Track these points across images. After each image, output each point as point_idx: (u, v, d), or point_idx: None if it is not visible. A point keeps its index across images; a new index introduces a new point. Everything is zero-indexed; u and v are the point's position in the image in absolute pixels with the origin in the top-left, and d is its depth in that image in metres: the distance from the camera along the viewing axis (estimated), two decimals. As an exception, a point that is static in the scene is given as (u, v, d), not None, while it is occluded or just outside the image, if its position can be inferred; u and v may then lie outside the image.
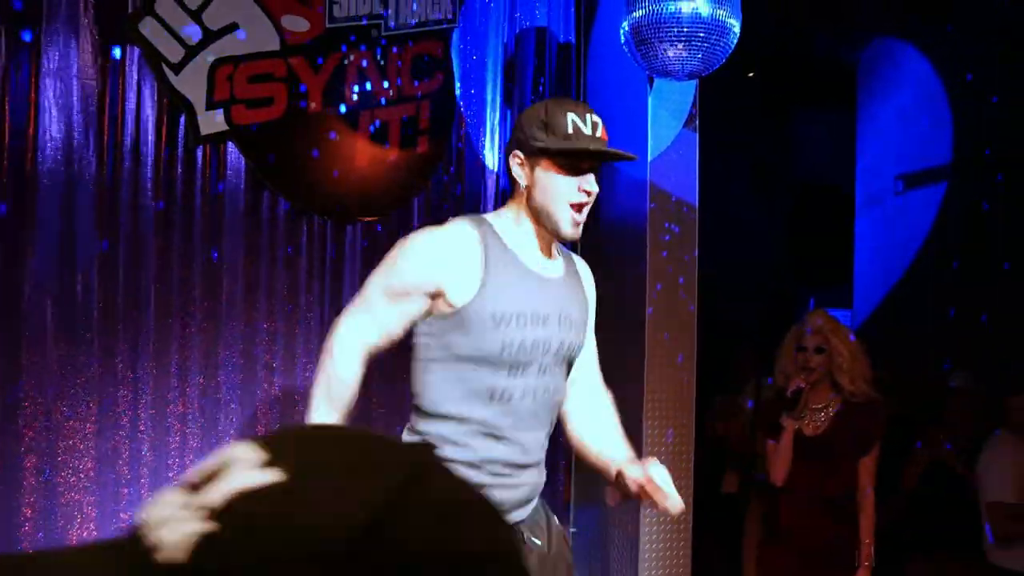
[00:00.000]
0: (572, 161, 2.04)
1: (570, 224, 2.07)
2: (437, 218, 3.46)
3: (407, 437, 2.12)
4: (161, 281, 3.02)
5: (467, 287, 2.00)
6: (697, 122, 3.80)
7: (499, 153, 3.78)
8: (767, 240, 6.25)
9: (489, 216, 2.16)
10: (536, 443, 2.13)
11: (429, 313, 2.04)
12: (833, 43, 5.23)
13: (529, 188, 2.07)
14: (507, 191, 3.79)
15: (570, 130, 2.02)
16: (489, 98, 3.75)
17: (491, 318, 1.98)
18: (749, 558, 3.84)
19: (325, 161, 3.32)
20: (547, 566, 2.16)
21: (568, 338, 2.12)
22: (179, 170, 3.04)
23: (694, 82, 3.76)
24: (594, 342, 2.35)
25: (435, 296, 2.02)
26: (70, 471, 2.87)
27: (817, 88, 5.60)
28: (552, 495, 3.91)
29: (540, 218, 2.08)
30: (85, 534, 2.89)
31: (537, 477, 2.18)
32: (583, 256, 3.96)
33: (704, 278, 3.84)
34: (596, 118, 2.07)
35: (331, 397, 2.03)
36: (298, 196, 3.26)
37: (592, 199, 2.08)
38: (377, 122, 3.43)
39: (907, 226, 4.99)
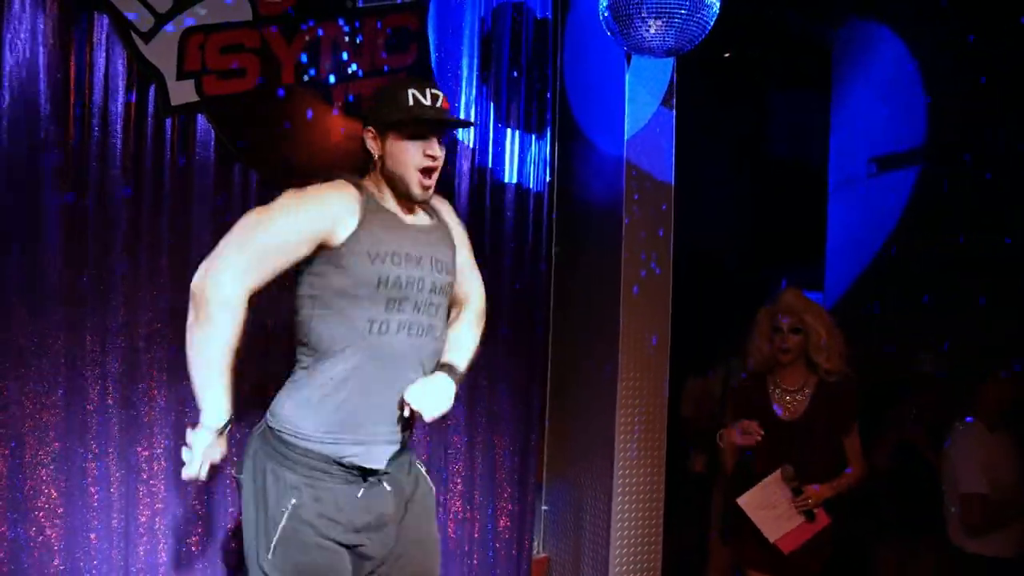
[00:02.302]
0: (415, 130, 2.28)
1: (418, 186, 2.31)
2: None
3: (297, 374, 2.31)
4: (129, 252, 2.96)
5: (347, 230, 2.21)
6: (675, 100, 3.78)
7: (475, 129, 3.75)
8: (739, 220, 6.27)
9: (363, 179, 2.35)
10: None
11: (311, 257, 2.23)
12: (808, 23, 5.23)
13: (382, 158, 2.32)
14: (483, 166, 3.77)
15: (411, 103, 2.27)
16: (464, 73, 3.71)
17: (367, 255, 2.22)
18: (715, 537, 3.86)
19: (298, 134, 3.27)
20: (409, 518, 2.39)
21: (440, 279, 2.37)
22: (148, 142, 2.97)
23: (671, 60, 3.75)
24: (475, 275, 2.61)
25: (322, 242, 2.21)
26: (37, 445, 2.83)
27: (792, 68, 5.61)
28: (523, 473, 3.92)
29: (393, 183, 2.32)
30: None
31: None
32: (563, 231, 3.99)
33: (675, 257, 3.83)
34: (437, 91, 2.32)
35: (220, 364, 2.14)
36: (269, 169, 3.21)
37: (438, 163, 2.32)
38: (351, 95, 3.38)
39: (879, 208, 5.01)
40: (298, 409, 2.26)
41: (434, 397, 2.30)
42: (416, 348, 2.31)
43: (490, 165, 3.80)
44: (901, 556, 4.05)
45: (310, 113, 3.29)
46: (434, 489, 2.54)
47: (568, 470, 4.01)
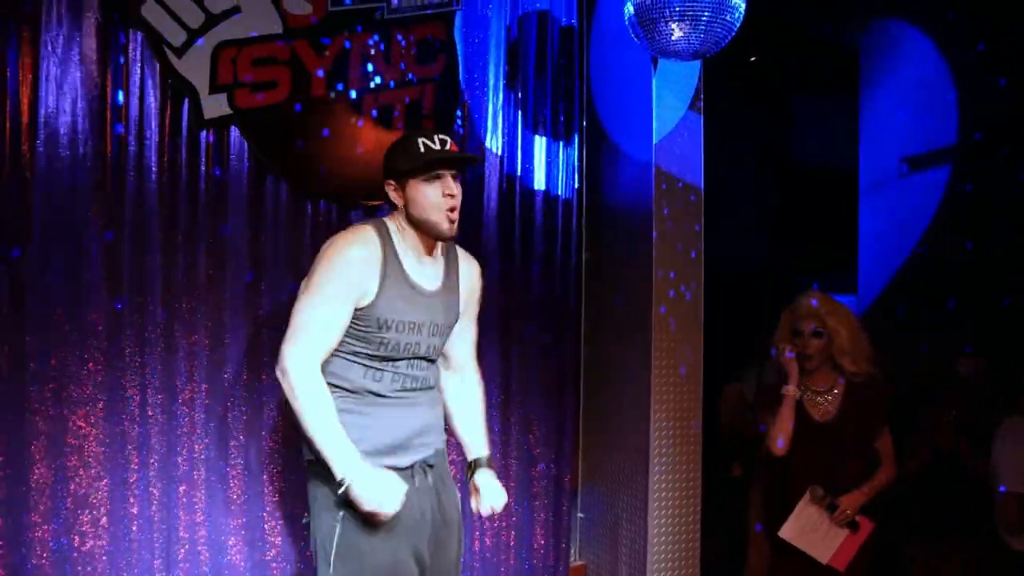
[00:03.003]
0: (430, 173, 2.45)
1: (446, 223, 2.48)
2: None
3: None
4: (167, 265, 3.00)
5: (368, 298, 2.43)
6: (702, 104, 3.77)
7: (503, 137, 3.77)
8: (769, 225, 6.23)
9: (388, 221, 2.54)
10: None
11: None
12: (833, 27, 5.21)
13: (405, 207, 2.49)
14: (512, 173, 3.78)
15: (422, 149, 2.45)
16: (492, 82, 3.73)
17: (376, 321, 2.44)
18: (753, 536, 3.81)
19: (329, 145, 3.30)
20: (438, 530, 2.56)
21: (434, 341, 2.58)
22: (183, 154, 3.02)
23: (698, 64, 3.75)
24: (472, 327, 2.79)
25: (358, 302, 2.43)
26: (77, 457, 2.86)
27: (817, 72, 5.58)
28: (558, 480, 3.91)
29: (421, 228, 2.49)
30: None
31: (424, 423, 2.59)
32: (592, 236, 4.00)
33: (706, 262, 3.81)
34: (444, 136, 2.51)
35: (330, 420, 2.36)
36: (301, 180, 3.25)
37: (457, 199, 2.49)
38: (381, 106, 3.41)
39: (912, 209, 4.96)
40: None
41: (497, 496, 2.67)
42: (408, 391, 2.54)
43: (519, 172, 3.81)
44: (933, 559, 3.99)
45: (340, 124, 3.32)
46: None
47: (603, 477, 3.99)
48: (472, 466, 2.71)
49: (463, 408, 2.76)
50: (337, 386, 2.43)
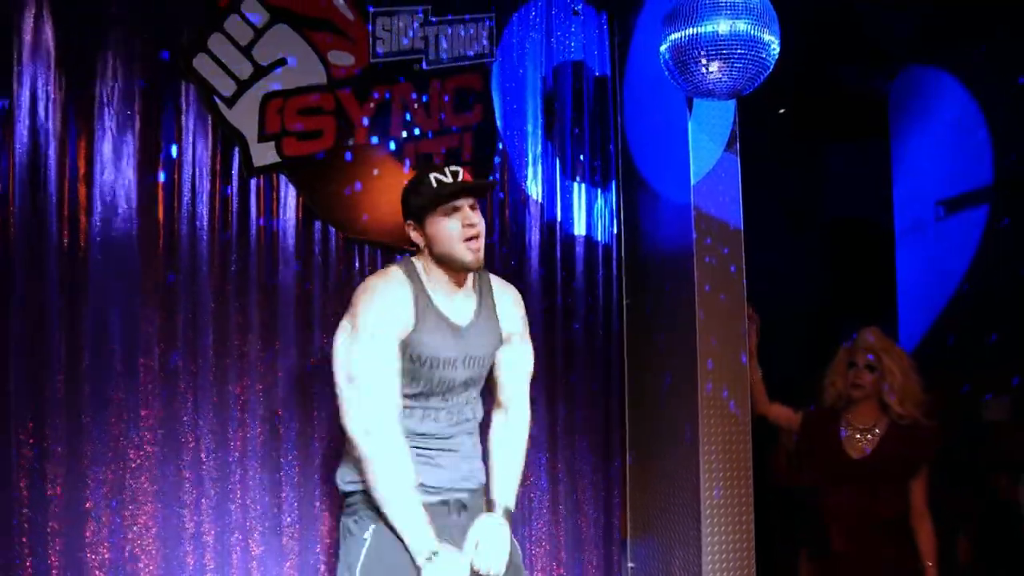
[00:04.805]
0: (447, 207, 2.43)
1: (469, 254, 2.45)
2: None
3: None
4: (220, 314, 3.05)
5: (406, 332, 2.41)
6: (738, 145, 3.81)
7: (542, 184, 3.81)
8: (805, 278, 6.19)
9: (415, 260, 2.54)
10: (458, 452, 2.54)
11: None
12: (862, 75, 5.26)
13: (428, 245, 2.48)
14: (553, 221, 3.82)
15: (435, 185, 2.44)
16: (530, 129, 3.80)
17: (410, 358, 2.41)
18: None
19: (372, 193, 3.37)
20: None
21: (469, 374, 2.53)
22: (234, 203, 3.09)
23: (733, 106, 3.79)
24: (526, 353, 2.73)
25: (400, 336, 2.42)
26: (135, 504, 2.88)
27: (848, 120, 5.62)
28: (607, 529, 3.84)
29: (445, 263, 2.47)
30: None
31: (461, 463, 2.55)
32: (632, 282, 4.00)
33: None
34: (456, 168, 2.49)
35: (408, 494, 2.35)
36: (347, 227, 3.31)
37: (479, 229, 2.46)
38: (421, 155, 3.48)
39: (950, 251, 4.93)
40: (358, 465, 2.41)
41: (499, 552, 2.46)
42: (443, 426, 2.51)
43: (559, 218, 3.85)
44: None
45: (382, 171, 3.39)
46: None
47: (653, 526, 3.91)
48: (488, 507, 2.57)
49: (501, 453, 2.65)
50: None
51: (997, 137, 4.57)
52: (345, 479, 2.46)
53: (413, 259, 2.54)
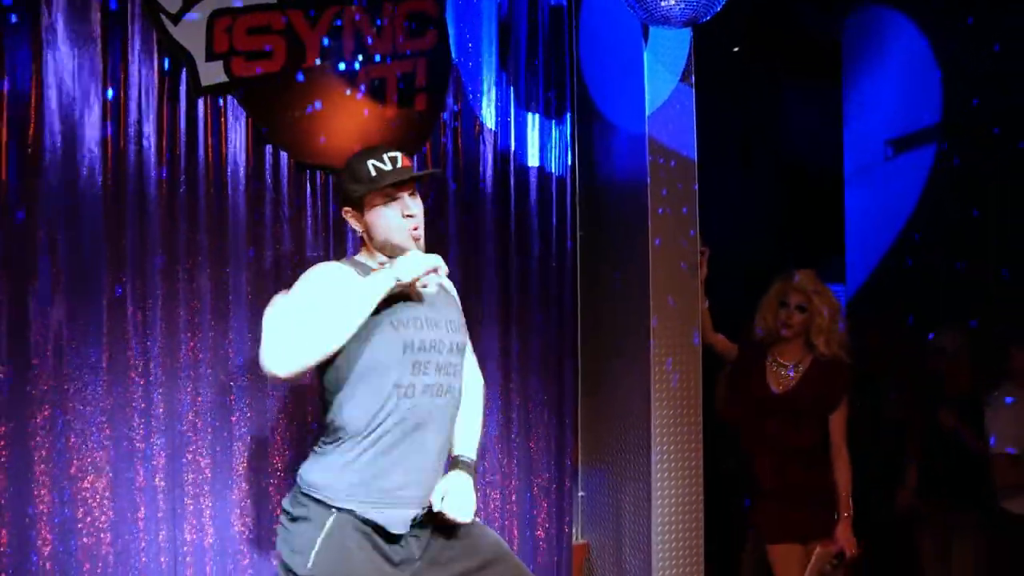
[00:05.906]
0: (385, 195, 2.37)
1: (411, 244, 2.38)
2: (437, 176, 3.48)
3: (325, 447, 2.35)
4: (167, 234, 2.99)
5: None
6: (693, 78, 3.80)
7: (496, 114, 3.78)
8: (755, 212, 6.23)
9: (357, 257, 2.47)
10: (435, 448, 2.40)
11: None
12: (818, 12, 5.27)
13: (367, 232, 2.42)
14: (507, 151, 3.79)
15: (373, 173, 2.36)
16: (484, 58, 3.75)
17: (390, 324, 2.29)
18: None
19: (324, 117, 3.31)
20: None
21: (455, 338, 2.45)
22: (181, 123, 3.01)
23: (688, 37, 3.77)
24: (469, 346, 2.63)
25: None
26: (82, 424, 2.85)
27: (800, 60, 5.62)
28: (559, 458, 3.89)
29: (387, 251, 2.40)
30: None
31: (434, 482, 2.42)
32: (587, 213, 4.00)
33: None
34: (394, 153, 2.41)
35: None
36: (298, 151, 3.25)
37: (418, 218, 2.40)
38: (374, 79, 3.42)
39: (898, 192, 5.00)
40: (324, 474, 2.31)
41: (465, 500, 2.39)
42: (440, 408, 2.39)
43: (513, 149, 3.82)
44: (942, 537, 4.00)
45: (335, 95, 3.33)
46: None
47: (604, 454, 3.97)
48: (452, 463, 2.51)
49: (463, 413, 2.57)
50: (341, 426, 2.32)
51: (947, 75, 4.61)
52: (306, 478, 2.35)
53: (356, 257, 2.49)
